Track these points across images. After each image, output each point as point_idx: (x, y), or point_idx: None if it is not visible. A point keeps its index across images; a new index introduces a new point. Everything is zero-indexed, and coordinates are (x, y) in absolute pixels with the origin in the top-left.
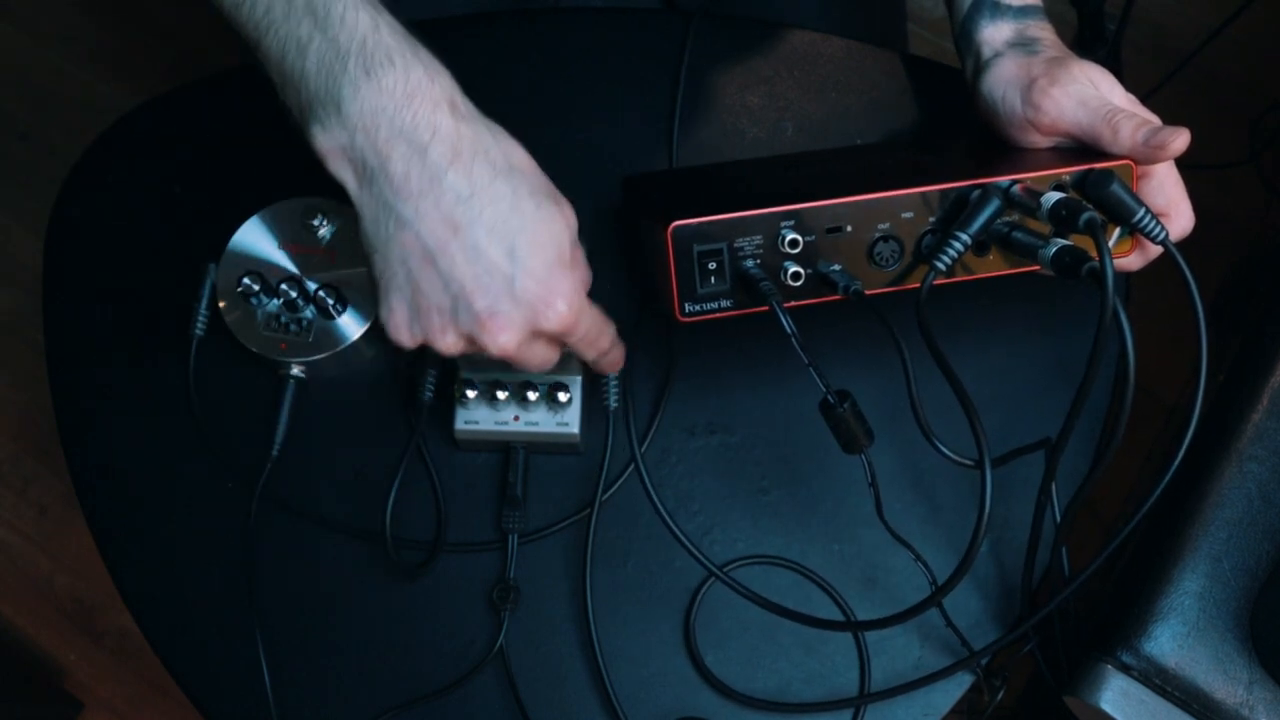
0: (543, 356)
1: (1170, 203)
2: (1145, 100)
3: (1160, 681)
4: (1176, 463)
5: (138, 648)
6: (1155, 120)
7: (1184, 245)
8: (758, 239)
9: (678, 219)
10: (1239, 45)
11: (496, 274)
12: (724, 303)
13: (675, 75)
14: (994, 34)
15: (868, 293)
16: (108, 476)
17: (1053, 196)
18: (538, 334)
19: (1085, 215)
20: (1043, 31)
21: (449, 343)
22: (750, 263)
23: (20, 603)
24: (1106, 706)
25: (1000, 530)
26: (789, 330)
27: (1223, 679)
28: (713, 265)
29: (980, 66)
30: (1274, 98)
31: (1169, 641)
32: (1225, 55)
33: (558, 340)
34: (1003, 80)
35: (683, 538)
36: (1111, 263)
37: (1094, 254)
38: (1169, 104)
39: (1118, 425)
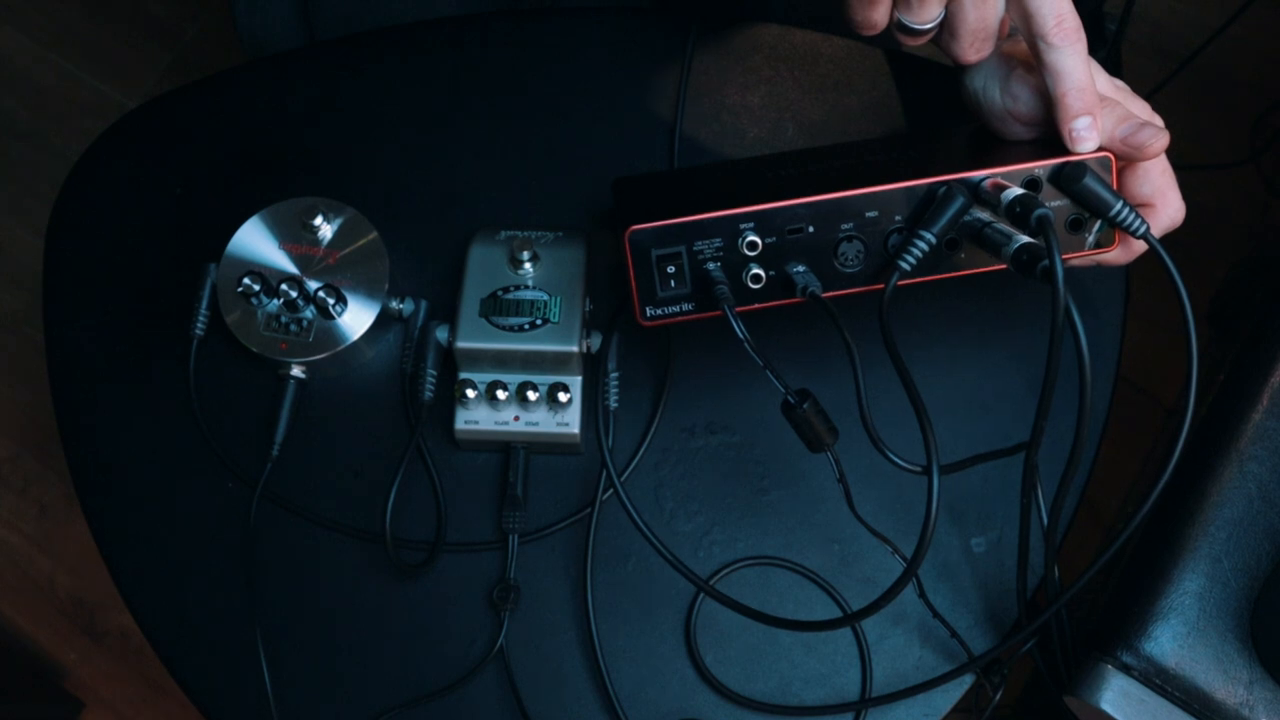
0: None
1: (1156, 193)
2: (1145, 100)
3: (1160, 681)
4: (1170, 469)
5: (138, 647)
6: (1140, 112)
7: (1184, 245)
8: (717, 242)
9: (635, 223)
10: (1240, 45)
11: None
12: (685, 306)
13: (675, 75)
14: None
15: (832, 294)
16: (108, 476)
17: (1012, 193)
18: None
19: (1037, 212)
20: None
21: None
22: (711, 265)
23: (21, 602)
24: (1107, 706)
25: (1001, 529)
26: (741, 335)
27: (1223, 679)
28: (672, 269)
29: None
30: (1275, 97)
31: (1169, 641)
32: (1226, 55)
33: None
34: (983, 70)
35: (665, 551)
36: (1060, 261)
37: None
38: (1169, 104)
39: (1082, 427)
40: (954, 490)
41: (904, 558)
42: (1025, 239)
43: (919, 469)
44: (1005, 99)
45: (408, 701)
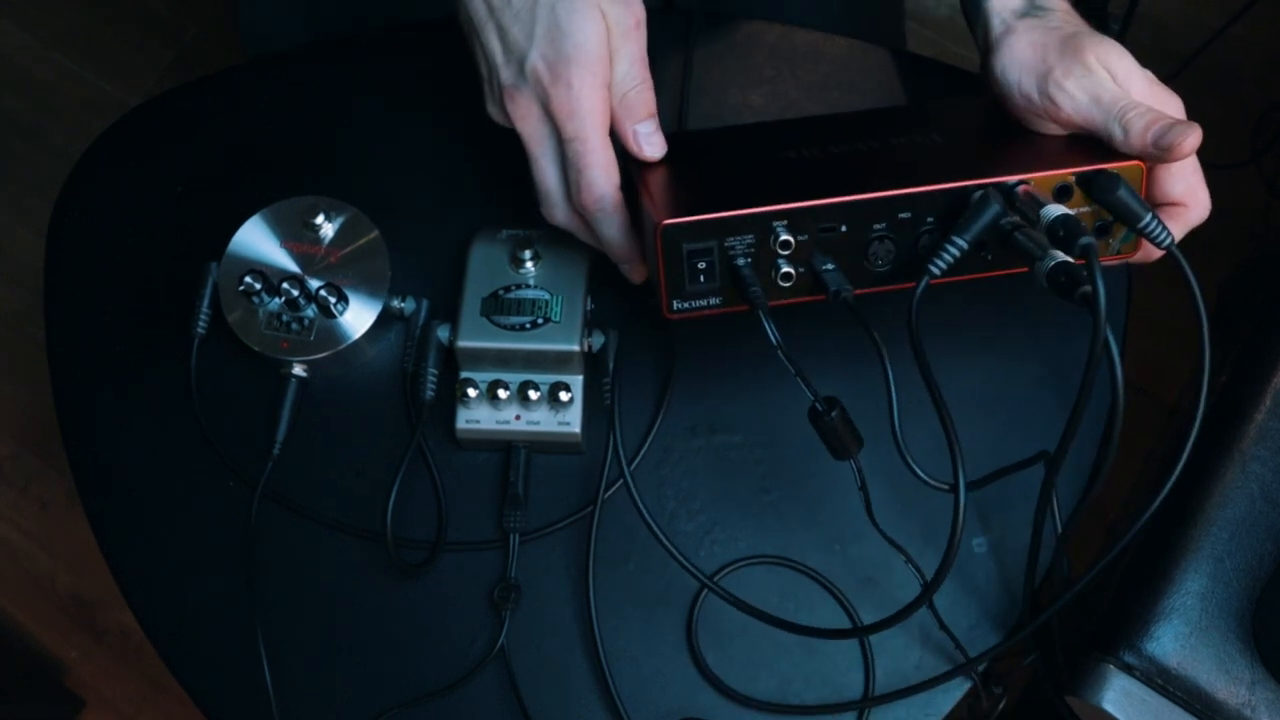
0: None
1: (1189, 191)
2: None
3: (1162, 682)
4: (1176, 473)
5: (139, 645)
6: (1170, 112)
7: (1184, 245)
8: (749, 238)
9: (668, 216)
10: (1242, 45)
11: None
12: (713, 300)
13: (677, 74)
14: (1003, 0)
15: (861, 291)
16: (109, 475)
17: (1053, 210)
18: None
19: (1082, 240)
20: None
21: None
22: (741, 261)
23: (21, 600)
24: (1108, 707)
25: (1002, 530)
26: (774, 340)
27: (1225, 679)
28: (703, 264)
29: (991, 44)
30: (1276, 98)
31: (1171, 642)
32: (1228, 55)
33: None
34: (1016, 63)
35: (674, 550)
36: (1103, 295)
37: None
38: None
39: (1106, 457)
40: None
41: (922, 577)
42: (1060, 257)
43: (945, 487)
44: (1043, 99)
45: (408, 701)
